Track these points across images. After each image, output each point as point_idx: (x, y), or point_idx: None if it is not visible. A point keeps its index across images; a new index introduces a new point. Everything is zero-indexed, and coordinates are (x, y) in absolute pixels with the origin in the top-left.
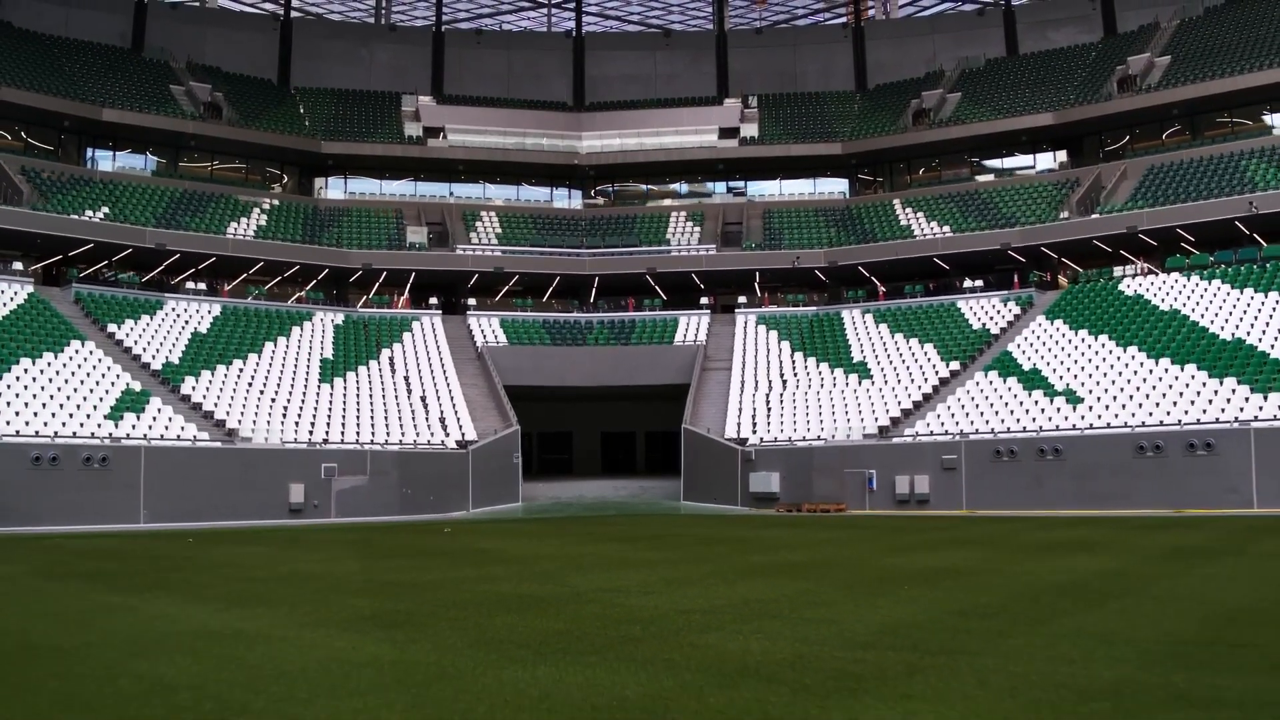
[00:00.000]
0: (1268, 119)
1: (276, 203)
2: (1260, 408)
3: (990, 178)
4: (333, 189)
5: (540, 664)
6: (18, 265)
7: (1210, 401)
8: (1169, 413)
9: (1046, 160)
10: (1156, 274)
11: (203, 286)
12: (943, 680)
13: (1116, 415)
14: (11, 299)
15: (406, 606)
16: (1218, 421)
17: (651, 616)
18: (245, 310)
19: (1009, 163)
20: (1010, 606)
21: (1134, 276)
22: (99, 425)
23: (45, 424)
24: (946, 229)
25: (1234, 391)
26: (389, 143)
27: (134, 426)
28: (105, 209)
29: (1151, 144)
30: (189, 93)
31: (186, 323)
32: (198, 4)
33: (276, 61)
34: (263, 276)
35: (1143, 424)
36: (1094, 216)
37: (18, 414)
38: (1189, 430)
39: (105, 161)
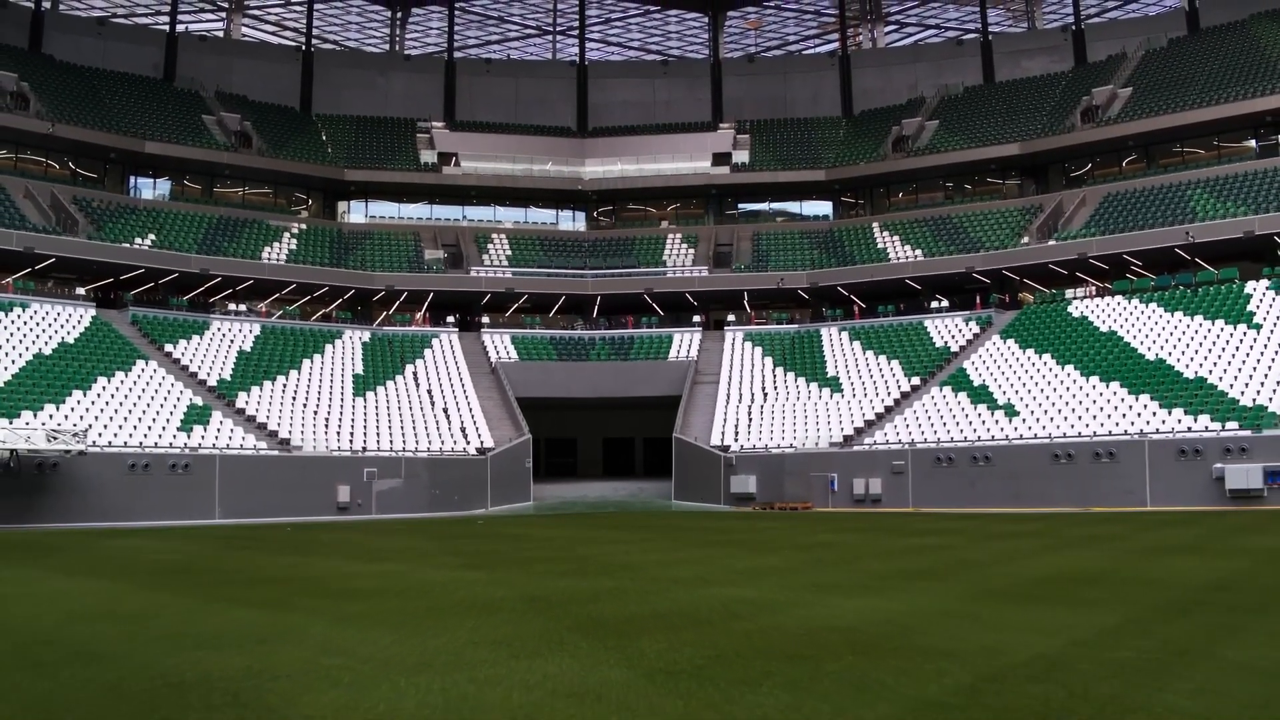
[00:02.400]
0: (1216, 149)
1: (304, 227)
2: (1164, 421)
3: (962, 203)
4: (354, 213)
5: (563, 579)
6: (80, 290)
7: (1124, 415)
8: (1088, 425)
9: (1014, 187)
10: (1104, 296)
11: (242, 307)
12: (766, 584)
13: (1044, 427)
14: (79, 322)
15: (479, 561)
16: (1125, 433)
17: (627, 563)
18: (282, 329)
19: (979, 189)
20: (842, 559)
21: (1082, 299)
22: (174, 436)
23: (130, 435)
24: (919, 252)
25: (1145, 406)
26: (407, 170)
27: (203, 437)
28: (152, 236)
29: (1111, 172)
30: (220, 122)
31: (232, 342)
32: (223, 36)
33: (299, 89)
34: (294, 296)
35: (1064, 435)
36: (1050, 243)
37: (105, 426)
38: (1096, 441)
39: (146, 189)
